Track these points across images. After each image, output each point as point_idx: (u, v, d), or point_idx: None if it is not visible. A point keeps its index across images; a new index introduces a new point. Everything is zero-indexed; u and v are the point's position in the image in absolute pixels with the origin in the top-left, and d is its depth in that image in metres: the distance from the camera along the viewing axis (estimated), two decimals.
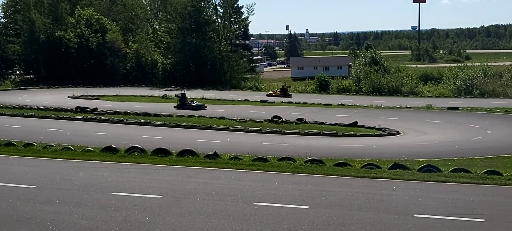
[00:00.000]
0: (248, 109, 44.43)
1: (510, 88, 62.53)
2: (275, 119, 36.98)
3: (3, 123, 34.04)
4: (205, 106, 45.82)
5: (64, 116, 38.55)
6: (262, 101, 51.33)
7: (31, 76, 75.35)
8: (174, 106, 44.86)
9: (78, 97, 52.77)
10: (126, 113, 39.88)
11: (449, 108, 44.68)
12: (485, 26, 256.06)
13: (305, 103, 50.38)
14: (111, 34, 73.13)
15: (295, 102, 50.76)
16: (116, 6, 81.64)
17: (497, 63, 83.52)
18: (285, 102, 51.67)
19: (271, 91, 60.25)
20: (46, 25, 71.99)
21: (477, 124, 35.78)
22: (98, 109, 41.20)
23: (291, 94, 58.54)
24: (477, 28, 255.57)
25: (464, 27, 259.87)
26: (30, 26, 71.44)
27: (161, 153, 19.13)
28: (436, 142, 29.52)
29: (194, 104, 45.93)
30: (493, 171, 15.82)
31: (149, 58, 75.24)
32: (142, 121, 36.53)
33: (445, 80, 72.46)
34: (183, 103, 45.39)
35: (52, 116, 38.72)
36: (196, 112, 41.44)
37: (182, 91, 47.89)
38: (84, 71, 70.59)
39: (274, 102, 50.88)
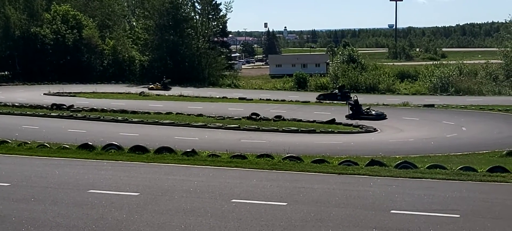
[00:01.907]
0: (226, 107, 44.36)
1: (485, 86, 63.58)
2: (254, 116, 37.00)
3: None
4: (386, 115, 38.45)
5: (40, 113, 38.04)
6: (241, 99, 51.29)
7: (6, 73, 74.10)
8: (346, 116, 38.28)
9: (54, 94, 52.12)
10: (103, 110, 39.51)
11: (425, 105, 45.19)
12: (460, 24, 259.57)
13: (283, 100, 50.49)
14: (87, 31, 72.34)
15: (273, 100, 50.86)
16: (93, 2, 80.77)
17: (472, 61, 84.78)
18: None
19: (152, 85, 60.48)
20: (21, 21, 70.88)
21: (453, 121, 36.24)
22: (75, 107, 40.73)
23: (170, 88, 59.39)
24: (452, 26, 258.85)
25: (440, 26, 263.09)
26: (4, 22, 70.20)
27: (139, 150, 19.01)
28: (413, 139, 29.84)
29: (373, 113, 38.62)
30: (468, 167, 16.05)
31: (127, 55, 74.64)
32: (119, 118, 36.22)
33: (421, 78, 73.45)
34: (358, 112, 38.47)
35: (28, 113, 38.18)
36: (375, 123, 35.58)
37: (355, 98, 40.69)
38: (60, 68, 69.58)
39: (252, 99, 50.88)
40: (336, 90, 54.21)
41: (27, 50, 70.10)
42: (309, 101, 49.20)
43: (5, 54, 72.01)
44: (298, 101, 50.09)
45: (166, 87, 59.60)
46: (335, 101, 49.77)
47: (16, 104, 42.51)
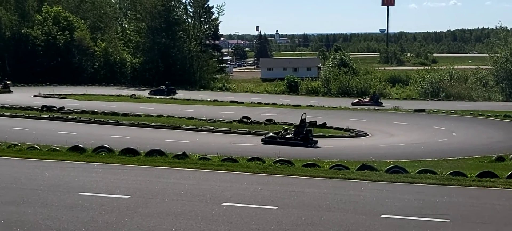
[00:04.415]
0: (217, 110, 44.30)
1: (475, 92, 63.96)
2: (245, 119, 36.95)
3: None
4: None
5: (30, 115, 37.79)
6: (232, 102, 51.27)
7: None
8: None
9: (45, 96, 51.82)
10: (93, 112, 39.32)
11: (416, 110, 45.34)
12: (451, 30, 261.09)
13: (274, 104, 50.52)
14: (79, 32, 72.06)
15: (264, 103, 50.89)
16: (85, 4, 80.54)
17: (462, 67, 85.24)
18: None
19: None
20: (12, 22, 70.54)
21: (443, 126, 36.39)
22: (65, 108, 40.50)
23: (12, 91, 55.69)
24: (443, 32, 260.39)
25: (431, 31, 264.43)
26: None
27: (129, 153, 18.92)
28: (403, 143, 29.92)
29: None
30: (458, 172, 16.11)
31: (118, 57, 74.44)
32: (110, 120, 36.07)
33: (412, 82, 73.79)
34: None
35: (18, 114, 37.91)
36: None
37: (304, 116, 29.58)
38: (51, 70, 69.29)
39: (243, 102, 50.88)
40: (163, 86, 59.45)
41: (17, 51, 69.74)
42: (300, 105, 49.24)
43: None
44: (289, 105, 50.12)
45: (8, 89, 55.77)
46: (163, 97, 55.16)
47: (6, 106, 42.22)
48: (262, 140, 28.48)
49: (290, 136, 28.27)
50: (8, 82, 58.82)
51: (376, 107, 48.69)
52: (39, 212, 11.53)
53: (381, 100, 52.33)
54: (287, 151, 23.49)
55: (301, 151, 24.84)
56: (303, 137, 27.65)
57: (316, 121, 32.18)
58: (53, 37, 70.58)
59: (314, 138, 28.44)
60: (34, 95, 52.24)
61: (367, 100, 52.34)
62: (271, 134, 29.13)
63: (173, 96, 56.14)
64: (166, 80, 68.32)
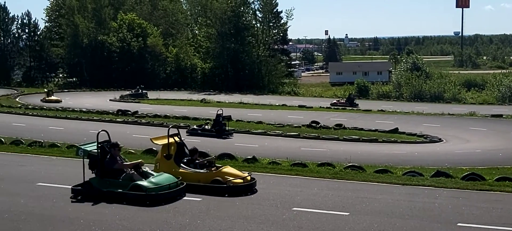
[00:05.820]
0: (286, 114, 44.28)
1: None
2: (313, 124, 36.72)
3: (47, 124, 34.86)
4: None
5: (106, 119, 39.14)
6: (300, 106, 51.17)
7: (74, 79, 77.12)
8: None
9: (119, 100, 53.63)
10: (166, 116, 40.29)
11: (492, 115, 43.64)
12: None
13: (344, 108, 49.98)
14: (152, 39, 74.20)
15: (334, 108, 50.47)
16: (158, 11, 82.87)
17: None
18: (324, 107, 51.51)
19: None
20: (90, 29, 73.54)
21: None
22: (139, 113, 41.74)
23: (60, 100, 53.64)
24: None
25: (508, 33, 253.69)
26: (73, 30, 73.10)
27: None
28: (480, 150, 28.84)
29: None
30: None
31: (189, 63, 76.05)
32: (182, 124, 36.78)
33: (488, 87, 71.01)
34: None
35: (94, 118, 39.41)
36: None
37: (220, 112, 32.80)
38: (125, 75, 71.71)
39: (312, 107, 50.64)
40: (140, 90, 58.93)
41: (94, 58, 72.64)
42: (371, 110, 48.48)
43: (73, 61, 74.98)
44: (360, 110, 49.45)
45: (54, 97, 53.80)
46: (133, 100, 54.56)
47: (84, 110, 43.97)
48: (187, 132, 31.82)
49: (208, 128, 32.36)
50: (51, 90, 60.22)
51: (352, 108, 50.78)
52: (116, 212, 11.92)
53: (357, 102, 54.29)
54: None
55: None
56: (217, 129, 31.48)
57: (230, 115, 34.27)
58: (127, 43, 73.01)
59: (229, 130, 32.31)
60: (110, 100, 54.15)
61: (344, 101, 54.66)
62: (194, 127, 33.41)
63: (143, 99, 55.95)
64: (237, 85, 69.12)
